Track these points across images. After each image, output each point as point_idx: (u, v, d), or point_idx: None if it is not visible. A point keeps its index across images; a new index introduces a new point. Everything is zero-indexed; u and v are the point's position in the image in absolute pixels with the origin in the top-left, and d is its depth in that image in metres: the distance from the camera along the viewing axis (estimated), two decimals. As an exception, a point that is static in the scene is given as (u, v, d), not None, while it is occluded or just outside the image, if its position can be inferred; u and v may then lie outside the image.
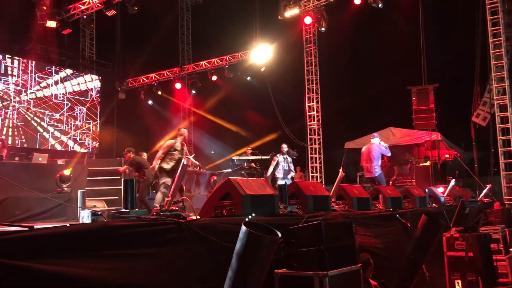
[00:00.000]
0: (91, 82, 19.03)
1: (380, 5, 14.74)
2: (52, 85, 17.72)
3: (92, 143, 18.82)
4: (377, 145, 11.22)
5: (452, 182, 11.32)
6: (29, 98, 16.97)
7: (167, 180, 8.42)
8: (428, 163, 15.55)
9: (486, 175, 14.66)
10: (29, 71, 17.14)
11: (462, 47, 15.52)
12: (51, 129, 17.56)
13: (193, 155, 8.54)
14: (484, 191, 12.46)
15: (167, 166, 8.48)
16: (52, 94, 17.73)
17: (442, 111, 15.37)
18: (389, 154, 11.82)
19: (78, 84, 18.59)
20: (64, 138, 17.88)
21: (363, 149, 11.63)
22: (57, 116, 17.74)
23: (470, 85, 15.11)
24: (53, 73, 17.78)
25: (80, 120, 18.53)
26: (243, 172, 13.02)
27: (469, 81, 15.15)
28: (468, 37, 14.88)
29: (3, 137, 15.17)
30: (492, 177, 14.00)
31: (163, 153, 8.50)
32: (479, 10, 13.86)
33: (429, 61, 15.41)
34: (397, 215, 6.94)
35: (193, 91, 21.00)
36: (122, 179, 6.59)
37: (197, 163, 10.33)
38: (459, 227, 6.48)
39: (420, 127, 15.46)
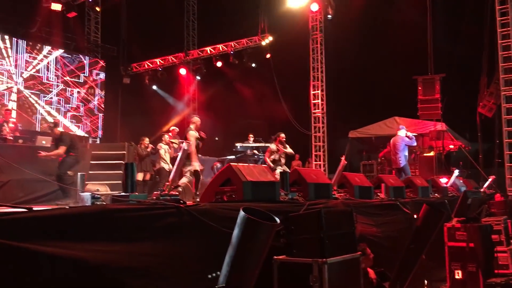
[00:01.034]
0: (95, 66, 19.01)
1: (388, -7, 14.58)
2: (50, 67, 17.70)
3: (96, 127, 18.85)
4: (401, 137, 11.73)
5: (456, 172, 11.29)
6: (30, 84, 16.99)
7: (191, 167, 8.55)
8: (432, 153, 15.50)
9: (491, 166, 14.61)
10: (33, 53, 17.14)
11: (470, 37, 15.36)
12: (54, 112, 17.59)
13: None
14: (487, 182, 12.42)
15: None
16: (53, 77, 17.73)
17: (448, 101, 15.29)
18: (414, 144, 12.15)
19: (82, 66, 18.58)
20: (66, 122, 17.91)
21: (391, 141, 12.16)
22: (55, 99, 17.76)
23: (477, 76, 15.00)
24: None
25: (83, 104, 18.55)
26: (246, 159, 13.00)
27: (476, 71, 15.03)
28: (476, 27, 14.72)
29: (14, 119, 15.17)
30: (496, 169, 13.95)
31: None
32: (488, -1, 13.70)
33: (436, 50, 15.30)
34: (399, 204, 6.93)
35: (198, 77, 20.93)
36: (124, 163, 6.60)
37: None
38: (461, 218, 6.45)
39: (425, 117, 15.40)
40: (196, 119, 9.22)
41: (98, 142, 18.32)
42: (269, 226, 2.88)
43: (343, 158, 7.68)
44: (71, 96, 18.20)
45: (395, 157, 11.71)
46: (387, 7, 16.87)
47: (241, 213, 2.84)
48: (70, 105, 18.17)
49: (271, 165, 10.50)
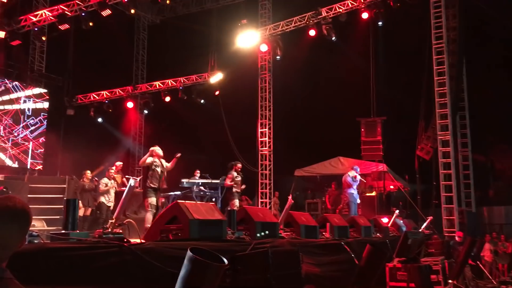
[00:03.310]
0: (38, 97, 18.38)
1: (333, 38, 15.21)
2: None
3: (35, 159, 18.04)
4: (346, 175, 12.48)
5: (396, 212, 11.65)
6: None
7: (154, 199, 8.30)
8: (373, 193, 15.94)
9: (428, 207, 15.20)
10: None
11: (410, 83, 16.25)
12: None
13: (141, 176, 8.35)
14: (425, 223, 12.88)
15: (155, 184, 8.38)
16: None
17: (389, 143, 15.93)
18: (354, 186, 12.31)
19: (23, 97, 17.90)
20: (1, 155, 17.02)
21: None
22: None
23: (416, 120, 15.76)
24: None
25: (21, 136, 17.76)
26: (192, 195, 12.83)
27: (415, 116, 15.80)
28: (416, 73, 15.60)
29: None
30: (433, 209, 14.51)
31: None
32: (426, 49, 14.60)
33: (378, 94, 16.02)
34: (343, 244, 7.03)
35: (146, 111, 20.70)
36: (65, 198, 6.34)
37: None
38: (401, 258, 6.62)
39: (367, 157, 15.91)
40: (153, 148, 8.98)
41: (36, 174, 17.50)
42: (217, 267, 2.84)
43: (290, 197, 7.75)
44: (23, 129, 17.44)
45: (343, 193, 12.49)
46: (333, 52, 17.59)
47: (189, 253, 2.78)
48: (15, 138, 17.35)
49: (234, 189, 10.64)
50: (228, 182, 11.14)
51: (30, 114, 18.12)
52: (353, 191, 12.07)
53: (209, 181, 13.50)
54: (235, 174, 11.16)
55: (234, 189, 11.14)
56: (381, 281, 6.42)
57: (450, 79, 14.01)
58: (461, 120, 16.88)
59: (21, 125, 17.83)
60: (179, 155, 8.80)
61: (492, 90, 18.27)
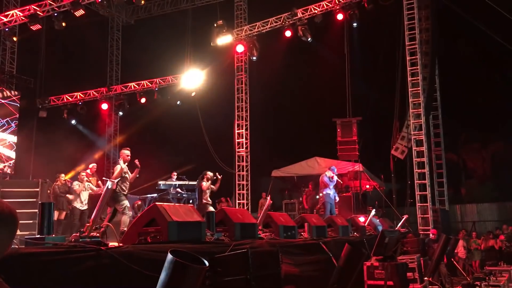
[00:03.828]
0: (8, 98, 17.93)
1: (309, 39, 15.29)
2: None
3: (5, 163, 17.59)
4: (323, 175, 12.40)
5: (373, 212, 11.79)
6: None
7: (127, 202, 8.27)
8: (350, 193, 16.10)
9: (403, 205, 15.43)
10: None
11: (384, 83, 16.47)
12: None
13: (118, 179, 8.21)
14: (401, 221, 13.07)
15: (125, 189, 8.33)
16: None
17: (364, 143, 16.11)
18: (330, 185, 12.29)
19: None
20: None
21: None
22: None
23: (390, 120, 15.99)
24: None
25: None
26: (169, 197, 12.72)
27: (390, 116, 16.03)
28: (390, 73, 15.82)
29: None
30: (408, 208, 14.74)
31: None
32: (400, 50, 14.84)
33: (353, 94, 16.19)
34: (321, 243, 7.07)
35: (120, 113, 20.40)
36: (39, 202, 6.20)
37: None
38: (379, 256, 6.69)
39: (344, 157, 16.04)
40: (122, 151, 8.87)
41: (7, 178, 17.06)
42: (198, 269, 2.81)
43: (268, 197, 7.75)
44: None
45: (319, 193, 12.56)
46: (309, 53, 17.70)
47: (169, 256, 2.74)
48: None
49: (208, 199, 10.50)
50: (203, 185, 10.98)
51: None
52: (329, 191, 12.11)
53: (186, 182, 13.41)
54: (208, 183, 10.97)
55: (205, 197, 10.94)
56: (359, 280, 6.48)
57: (423, 79, 14.25)
58: (434, 120, 17.21)
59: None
60: (137, 162, 8.74)
61: (464, 89, 18.71)
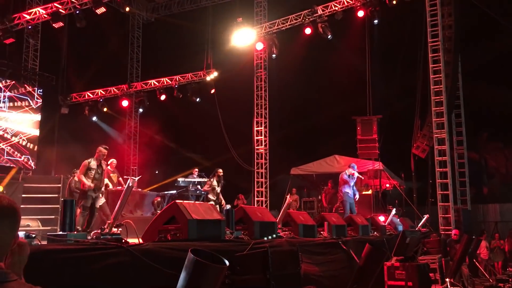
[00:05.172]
0: (32, 95, 18.21)
1: (329, 36, 15.16)
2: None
3: (29, 159, 17.88)
4: (343, 173, 12.27)
5: (393, 211, 11.64)
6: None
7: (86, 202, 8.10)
8: (369, 192, 15.95)
9: (424, 205, 15.22)
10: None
11: (405, 81, 16.24)
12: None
13: (139, 176, 8.26)
14: (422, 221, 12.89)
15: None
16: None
17: (385, 141, 15.93)
18: (351, 183, 12.17)
19: (18, 96, 17.72)
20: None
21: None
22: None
23: (411, 118, 15.77)
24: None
25: (16, 134, 17.59)
26: (188, 194, 12.77)
27: (410, 114, 15.82)
28: (411, 71, 15.60)
29: None
30: (429, 207, 14.53)
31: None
32: (421, 47, 14.60)
33: (374, 92, 16.00)
34: (340, 243, 7.01)
35: (141, 109, 20.58)
36: (61, 199, 6.28)
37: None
38: (399, 257, 6.61)
39: (363, 156, 15.90)
40: (99, 148, 8.87)
41: (30, 174, 17.36)
42: (219, 269, 2.80)
43: (288, 196, 7.71)
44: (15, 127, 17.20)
45: (339, 191, 12.49)
46: (329, 49, 17.56)
47: (190, 255, 2.74)
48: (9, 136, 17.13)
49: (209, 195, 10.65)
50: (206, 187, 11.32)
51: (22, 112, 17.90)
52: (348, 189, 11.96)
53: (205, 180, 13.44)
54: (214, 181, 11.25)
55: (210, 195, 11.23)
56: (379, 280, 6.41)
57: (446, 77, 14.00)
58: (456, 118, 16.93)
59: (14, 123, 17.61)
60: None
61: (487, 88, 18.34)
